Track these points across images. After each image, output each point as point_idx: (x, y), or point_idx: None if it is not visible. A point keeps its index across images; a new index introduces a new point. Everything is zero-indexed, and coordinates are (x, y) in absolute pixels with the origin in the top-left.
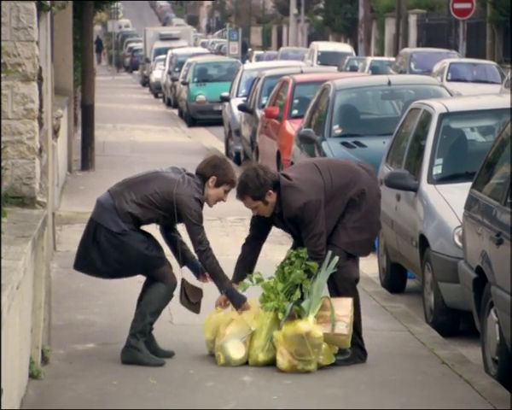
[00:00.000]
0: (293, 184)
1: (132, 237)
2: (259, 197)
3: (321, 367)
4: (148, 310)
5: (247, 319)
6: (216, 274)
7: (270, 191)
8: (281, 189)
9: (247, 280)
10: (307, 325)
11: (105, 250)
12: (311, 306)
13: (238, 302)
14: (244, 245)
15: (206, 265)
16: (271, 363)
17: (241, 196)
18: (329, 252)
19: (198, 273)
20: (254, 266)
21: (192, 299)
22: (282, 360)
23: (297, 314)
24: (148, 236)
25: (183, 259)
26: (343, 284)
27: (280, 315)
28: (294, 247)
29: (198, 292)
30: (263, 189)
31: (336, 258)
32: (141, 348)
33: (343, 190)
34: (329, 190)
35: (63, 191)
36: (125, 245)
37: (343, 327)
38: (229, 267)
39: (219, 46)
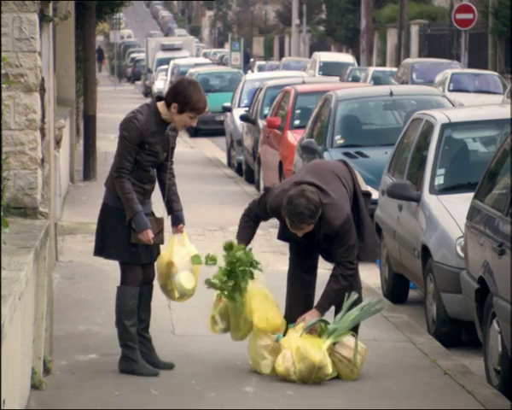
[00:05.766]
0: (332, 201)
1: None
2: (314, 221)
3: None
4: (121, 317)
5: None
6: (124, 200)
7: (320, 210)
8: (321, 206)
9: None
10: (323, 359)
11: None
12: (335, 333)
13: (139, 228)
14: (245, 217)
15: (117, 189)
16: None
17: (300, 226)
18: (377, 298)
19: (173, 225)
20: (253, 237)
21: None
22: (282, 363)
23: (318, 331)
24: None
25: (168, 208)
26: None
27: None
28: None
29: (155, 223)
30: (317, 211)
31: (385, 307)
32: (135, 358)
33: (350, 198)
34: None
35: (65, 202)
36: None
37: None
38: None
39: (221, 56)
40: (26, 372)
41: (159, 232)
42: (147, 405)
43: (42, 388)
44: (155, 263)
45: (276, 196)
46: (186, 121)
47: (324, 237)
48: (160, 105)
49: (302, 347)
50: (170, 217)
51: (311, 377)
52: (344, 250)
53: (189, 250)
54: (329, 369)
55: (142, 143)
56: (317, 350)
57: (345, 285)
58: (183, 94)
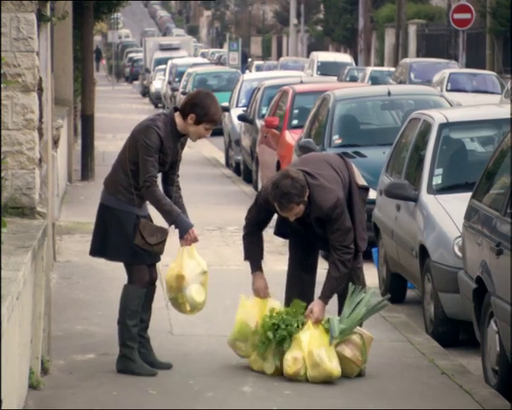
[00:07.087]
0: (320, 184)
1: (131, 221)
2: (303, 200)
3: None
4: (125, 316)
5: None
6: (159, 208)
7: (307, 189)
8: (309, 187)
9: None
10: (338, 370)
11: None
12: (343, 333)
13: (183, 230)
14: (248, 235)
15: (149, 200)
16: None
17: (288, 207)
18: (374, 292)
19: (181, 237)
20: (262, 251)
21: (150, 239)
22: (292, 366)
23: (325, 328)
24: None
25: None
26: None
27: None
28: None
29: (160, 232)
30: (304, 190)
31: (387, 303)
32: (133, 357)
33: (344, 187)
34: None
35: (63, 201)
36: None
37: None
38: (229, 277)
39: (219, 56)
40: (23, 372)
41: (161, 242)
42: (144, 405)
43: (39, 388)
44: (164, 276)
45: (266, 187)
46: (201, 132)
47: (316, 222)
48: (177, 116)
49: (316, 354)
50: (178, 229)
51: (321, 380)
52: (339, 235)
53: (198, 262)
54: (340, 373)
55: (158, 152)
56: (332, 358)
57: (344, 271)
58: (201, 105)
